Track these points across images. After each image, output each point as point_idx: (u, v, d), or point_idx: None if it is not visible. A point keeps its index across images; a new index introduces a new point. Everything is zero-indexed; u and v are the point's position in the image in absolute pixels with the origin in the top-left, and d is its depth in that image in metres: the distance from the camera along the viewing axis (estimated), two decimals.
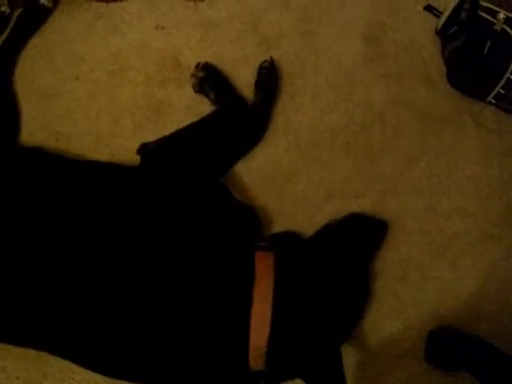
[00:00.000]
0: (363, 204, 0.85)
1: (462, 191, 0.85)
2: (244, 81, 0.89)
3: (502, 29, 0.80)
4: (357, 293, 0.82)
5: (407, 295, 0.84)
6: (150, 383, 0.76)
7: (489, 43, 0.80)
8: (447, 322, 0.83)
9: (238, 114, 0.88)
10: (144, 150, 0.84)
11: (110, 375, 0.75)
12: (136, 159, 0.83)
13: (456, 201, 0.85)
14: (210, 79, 0.90)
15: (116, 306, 0.69)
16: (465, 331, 0.82)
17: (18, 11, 0.89)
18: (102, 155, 0.88)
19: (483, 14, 0.81)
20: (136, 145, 0.83)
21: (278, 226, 0.85)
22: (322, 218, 0.84)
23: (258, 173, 0.87)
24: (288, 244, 0.84)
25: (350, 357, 0.82)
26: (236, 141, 0.89)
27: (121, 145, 0.89)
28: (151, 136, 0.85)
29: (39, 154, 0.85)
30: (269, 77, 0.90)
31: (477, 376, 0.80)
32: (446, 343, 0.82)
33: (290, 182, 0.86)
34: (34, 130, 0.87)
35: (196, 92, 0.89)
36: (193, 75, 0.89)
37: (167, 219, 0.77)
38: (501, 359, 0.78)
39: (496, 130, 0.85)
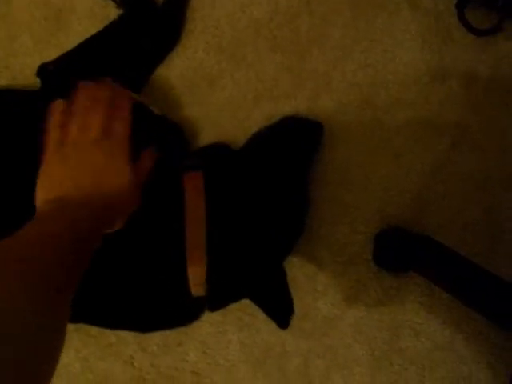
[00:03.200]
0: (295, 104, 0.79)
1: (400, 80, 0.79)
2: None
3: None
4: (296, 203, 0.77)
5: (351, 198, 0.80)
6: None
7: None
8: (394, 222, 0.80)
9: (147, 16, 0.80)
10: (43, 70, 0.76)
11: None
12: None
13: (394, 91, 0.79)
14: None
15: None
16: (413, 230, 0.79)
17: None
18: (1, 79, 0.79)
19: None
20: (39, 62, 0.75)
21: (206, 137, 0.79)
22: (252, 124, 0.78)
23: (178, 81, 0.80)
24: (218, 158, 0.78)
25: (296, 269, 0.78)
26: (149, 47, 0.80)
27: (22, 64, 0.80)
28: (54, 51, 0.77)
29: None
30: None
31: (426, 275, 0.78)
32: (393, 244, 0.80)
33: (214, 87, 0.79)
34: None
35: None
36: None
37: None
38: (449, 256, 0.75)
39: (433, 11, 0.79)
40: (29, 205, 0.61)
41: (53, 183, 0.56)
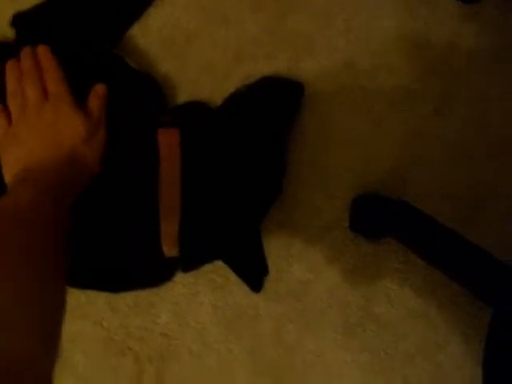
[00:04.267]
0: (276, 65, 0.78)
1: (382, 46, 0.78)
2: None
3: None
4: (274, 164, 0.76)
5: (329, 162, 0.79)
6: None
7: None
8: (373, 188, 0.79)
9: None
10: (18, 20, 0.74)
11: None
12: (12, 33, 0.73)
13: (377, 57, 0.78)
14: None
15: None
16: (391, 197, 0.79)
17: None
18: None
19: None
20: (12, 12, 0.73)
21: (183, 96, 0.78)
22: (231, 83, 0.77)
23: (156, 36, 0.78)
24: (194, 116, 0.76)
25: (272, 233, 0.78)
26: (127, 1, 0.78)
27: None
28: (27, 2, 0.74)
29: None
30: None
31: (403, 241, 0.78)
32: (370, 210, 0.79)
33: (192, 44, 0.78)
34: None
35: None
36: None
37: None
38: (427, 223, 0.75)
39: None
40: None
41: (14, 159, 0.59)
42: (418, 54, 0.79)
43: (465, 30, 0.80)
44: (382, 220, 0.78)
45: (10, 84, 0.62)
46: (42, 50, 0.62)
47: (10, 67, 0.62)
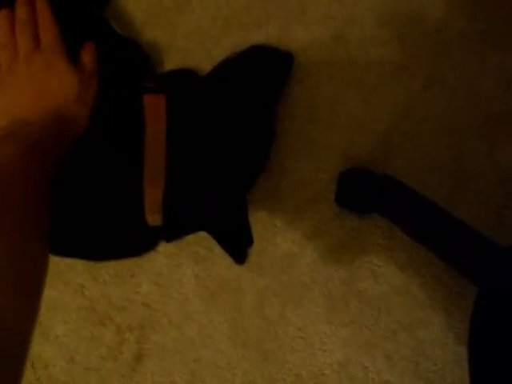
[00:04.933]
0: (266, 34, 0.77)
1: (375, 18, 0.78)
2: None
3: None
4: (261, 133, 0.76)
5: (317, 135, 0.79)
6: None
7: None
8: (359, 162, 0.78)
9: None
10: None
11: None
12: None
13: (368, 28, 0.77)
14: None
15: None
16: (378, 171, 0.78)
17: None
18: None
19: None
20: None
21: (171, 63, 0.77)
22: (220, 52, 0.76)
23: (144, 3, 0.77)
24: (182, 83, 0.75)
25: (256, 204, 0.77)
26: None
27: None
28: None
29: None
30: None
31: (389, 217, 0.77)
32: (357, 184, 0.79)
33: (181, 10, 0.77)
34: None
35: None
36: None
37: None
38: (413, 198, 0.75)
39: None
40: None
41: (1, 111, 0.56)
42: (411, 28, 0.78)
43: (459, 8, 0.79)
44: (368, 194, 0.78)
45: (2, 33, 0.60)
46: (40, 1, 0.61)
47: (2, 16, 0.60)
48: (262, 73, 0.76)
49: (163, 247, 0.73)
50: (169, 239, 0.75)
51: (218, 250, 0.75)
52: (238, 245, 0.77)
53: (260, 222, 0.77)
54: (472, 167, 0.79)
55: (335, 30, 0.78)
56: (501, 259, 0.64)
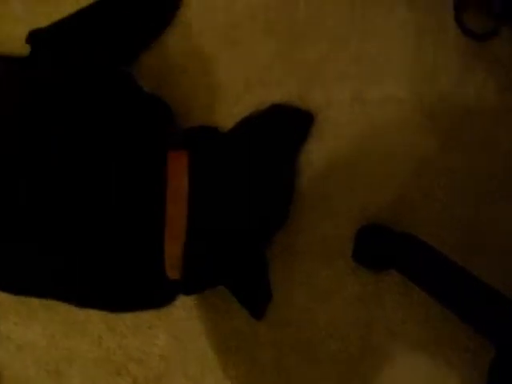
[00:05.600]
0: (286, 93, 0.79)
1: (392, 77, 0.80)
2: None
3: None
4: (281, 190, 0.78)
5: (334, 192, 0.81)
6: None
7: None
8: (377, 219, 0.80)
9: None
10: (34, 37, 0.75)
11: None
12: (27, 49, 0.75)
13: (387, 88, 0.80)
14: None
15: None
16: (395, 228, 0.80)
17: None
18: None
19: None
20: (25, 32, 0.75)
21: (193, 120, 0.79)
22: (241, 110, 0.79)
23: (168, 59, 0.80)
24: (204, 139, 0.78)
25: (274, 259, 0.79)
26: (142, 23, 0.81)
27: (8, 32, 0.79)
28: (43, 20, 0.76)
29: None
30: None
31: (406, 273, 0.78)
32: (374, 241, 0.80)
33: (204, 69, 0.80)
34: None
35: None
36: None
37: (65, 114, 0.69)
38: (430, 255, 0.76)
39: (428, 8, 0.80)
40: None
41: None
42: (426, 86, 0.81)
43: (474, 67, 0.82)
44: (385, 251, 0.79)
45: None
46: None
47: None
48: (282, 131, 0.79)
49: (181, 300, 0.75)
50: (187, 293, 0.76)
51: (236, 303, 0.76)
52: (256, 300, 0.78)
53: (277, 278, 0.79)
54: (488, 224, 0.80)
55: (353, 89, 0.81)
56: None
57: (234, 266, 0.75)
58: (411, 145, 0.82)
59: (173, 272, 0.71)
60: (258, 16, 0.80)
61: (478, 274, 0.69)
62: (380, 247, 0.80)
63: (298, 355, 0.80)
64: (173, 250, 0.69)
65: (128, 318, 0.78)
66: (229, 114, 0.78)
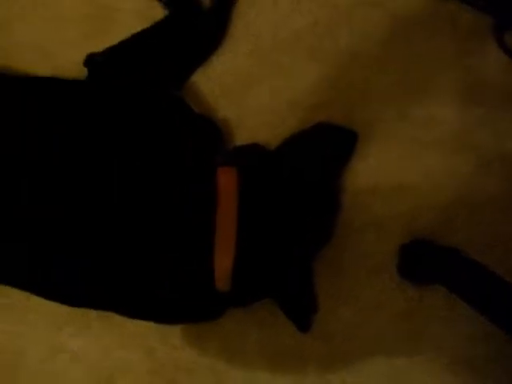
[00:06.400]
0: (330, 113, 0.83)
1: (436, 98, 0.83)
2: None
3: None
4: (326, 206, 0.81)
5: (380, 207, 0.83)
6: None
7: None
8: (422, 234, 0.82)
9: (193, 18, 0.85)
10: (91, 61, 0.81)
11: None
12: (84, 72, 0.80)
13: (430, 108, 0.83)
14: None
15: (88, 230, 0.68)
16: (440, 243, 0.82)
17: None
18: (45, 69, 0.85)
19: None
20: (82, 56, 0.80)
21: (241, 140, 0.83)
22: (286, 130, 0.83)
23: (217, 83, 0.84)
24: (252, 157, 0.82)
25: (320, 274, 0.81)
26: (192, 48, 0.86)
27: (66, 57, 0.85)
28: (98, 46, 0.82)
29: None
30: None
31: (451, 288, 0.80)
32: (419, 256, 0.82)
33: (251, 91, 0.84)
34: None
35: None
36: None
37: (121, 136, 0.74)
38: (476, 270, 0.77)
39: (473, 31, 0.83)
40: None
41: None
42: (470, 107, 0.83)
43: None
44: (430, 266, 0.81)
45: None
46: None
47: None
48: (327, 148, 0.82)
49: (230, 312, 0.78)
50: (237, 305, 0.79)
51: (282, 317, 0.78)
52: (302, 313, 0.81)
53: (323, 292, 0.81)
54: None
55: (397, 109, 0.84)
56: None
57: (282, 279, 0.78)
58: (453, 164, 0.84)
59: (222, 284, 0.74)
60: (302, 41, 0.84)
61: None
62: (425, 262, 0.82)
63: (343, 369, 0.82)
64: (223, 262, 0.72)
65: (179, 330, 0.81)
66: (274, 133, 0.82)
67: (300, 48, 0.84)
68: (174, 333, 0.82)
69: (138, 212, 0.70)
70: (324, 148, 0.80)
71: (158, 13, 0.84)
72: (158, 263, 0.72)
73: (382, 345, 0.81)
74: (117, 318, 0.78)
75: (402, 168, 0.82)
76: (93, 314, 0.81)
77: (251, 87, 0.83)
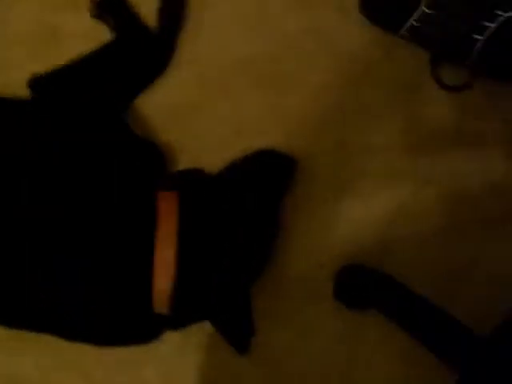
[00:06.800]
0: (273, 140, 0.85)
1: (372, 126, 0.86)
2: (147, 7, 0.86)
3: None
4: (266, 231, 0.82)
5: (316, 233, 0.85)
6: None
7: None
8: (358, 259, 0.85)
9: (139, 42, 0.86)
10: (34, 82, 0.81)
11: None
12: (27, 92, 0.81)
13: (365, 137, 0.86)
14: (108, 3, 0.86)
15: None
16: (376, 267, 0.85)
17: None
18: None
19: None
20: (27, 76, 0.81)
21: (183, 164, 0.85)
22: (229, 155, 0.84)
23: (161, 107, 0.86)
24: (193, 181, 0.83)
25: (258, 297, 0.83)
26: (138, 71, 0.87)
27: (11, 77, 0.85)
28: (44, 67, 0.82)
29: None
30: (174, 3, 0.88)
31: (386, 314, 0.83)
32: (355, 281, 0.85)
33: (195, 117, 0.86)
34: None
35: (93, 17, 0.86)
36: None
37: (61, 157, 0.74)
38: (409, 297, 0.81)
39: (409, 65, 0.87)
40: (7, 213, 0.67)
41: None
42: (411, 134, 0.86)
43: (449, 117, 0.88)
44: (366, 292, 0.84)
45: None
46: None
47: None
48: (267, 173, 0.84)
49: (168, 335, 0.78)
50: (175, 327, 0.80)
51: (220, 340, 0.80)
52: (240, 335, 0.83)
53: (260, 316, 0.82)
54: (467, 264, 0.85)
55: (336, 135, 0.87)
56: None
57: (222, 301, 0.79)
58: (389, 188, 0.87)
59: (161, 307, 0.75)
60: (247, 69, 0.87)
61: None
62: (359, 286, 0.85)
63: None
64: (161, 285, 0.73)
65: (117, 353, 0.81)
66: (217, 159, 0.83)
67: (245, 75, 0.86)
68: (111, 355, 0.82)
69: (74, 236, 0.70)
70: (264, 172, 0.82)
71: (105, 35, 0.84)
72: (96, 285, 0.72)
73: (317, 364, 0.83)
74: (54, 340, 0.77)
75: (337, 195, 0.85)
76: (30, 336, 0.80)
77: (196, 112, 0.85)
